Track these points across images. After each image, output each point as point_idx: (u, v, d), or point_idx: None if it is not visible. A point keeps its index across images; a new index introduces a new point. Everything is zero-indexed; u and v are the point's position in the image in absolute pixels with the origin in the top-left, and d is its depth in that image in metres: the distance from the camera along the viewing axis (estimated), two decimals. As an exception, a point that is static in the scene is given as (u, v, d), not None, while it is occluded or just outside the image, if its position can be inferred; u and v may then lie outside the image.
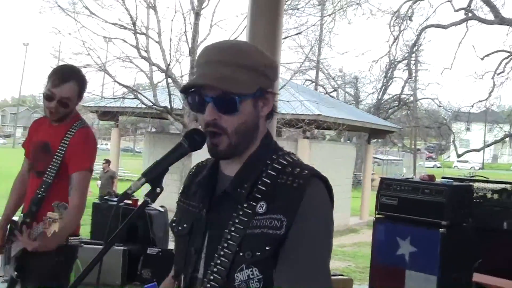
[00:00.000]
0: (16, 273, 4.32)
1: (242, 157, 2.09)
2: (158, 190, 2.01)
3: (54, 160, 4.27)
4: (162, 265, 9.54)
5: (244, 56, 2.02)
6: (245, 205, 2.01)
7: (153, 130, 41.20)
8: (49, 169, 4.27)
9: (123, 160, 35.39)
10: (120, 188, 16.78)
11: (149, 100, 18.20)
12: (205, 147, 2.09)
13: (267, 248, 1.94)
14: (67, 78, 4.24)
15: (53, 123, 4.39)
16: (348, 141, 43.58)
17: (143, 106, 18.74)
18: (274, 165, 2.06)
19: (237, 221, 2.00)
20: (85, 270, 1.88)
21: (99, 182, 19.95)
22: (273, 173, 2.04)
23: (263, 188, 2.02)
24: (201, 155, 2.22)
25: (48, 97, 4.25)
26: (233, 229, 2.00)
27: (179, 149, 2.07)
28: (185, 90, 2.06)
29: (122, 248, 9.48)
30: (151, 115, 21.51)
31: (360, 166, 40.24)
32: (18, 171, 4.81)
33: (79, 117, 4.48)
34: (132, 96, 18.89)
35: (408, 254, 6.53)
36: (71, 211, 4.03)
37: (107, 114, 23.24)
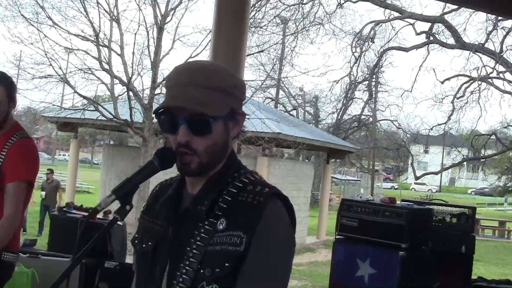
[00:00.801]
0: None
1: (206, 175, 2.10)
2: (127, 207, 2.00)
3: None
4: (120, 279, 9.44)
5: (215, 78, 2.04)
6: (206, 222, 2.02)
7: (112, 142, 40.94)
8: None
9: (81, 172, 35.07)
10: (77, 199, 16.62)
11: (110, 113, 18.11)
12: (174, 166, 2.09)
13: (226, 264, 1.95)
14: None
15: None
16: (306, 160, 43.72)
17: (103, 118, 18.63)
18: (236, 183, 2.08)
19: (198, 238, 2.01)
20: (53, 285, 1.87)
21: (43, 193, 19.62)
22: (234, 191, 2.06)
23: (224, 206, 2.03)
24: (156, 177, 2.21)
25: None
26: (194, 246, 2.01)
27: (149, 167, 2.07)
28: (157, 112, 2.06)
29: (70, 262, 9.31)
30: (111, 127, 21.41)
31: (318, 185, 40.37)
32: None
33: (20, 127, 4.35)
34: (93, 108, 18.79)
35: (367, 276, 6.53)
36: (3, 222, 3.98)
37: (66, 125, 23.03)
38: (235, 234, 1.97)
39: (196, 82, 2.01)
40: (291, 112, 44.74)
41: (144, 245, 2.21)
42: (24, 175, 4.13)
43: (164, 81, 17.14)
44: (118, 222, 2.03)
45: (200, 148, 2.02)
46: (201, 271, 1.97)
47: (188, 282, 1.98)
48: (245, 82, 2.26)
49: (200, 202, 2.06)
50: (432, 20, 30.05)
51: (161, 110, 2.05)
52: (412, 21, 31.30)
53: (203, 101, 1.98)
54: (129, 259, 11.39)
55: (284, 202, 2.08)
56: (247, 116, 2.16)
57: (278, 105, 44.66)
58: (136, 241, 2.28)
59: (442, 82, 32.57)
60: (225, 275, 1.95)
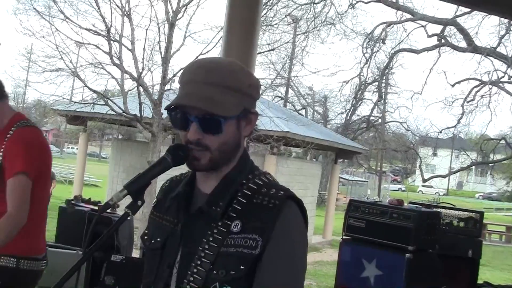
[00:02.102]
0: None
1: (219, 174, 2.10)
2: (139, 202, 2.01)
3: None
4: (126, 272, 9.46)
5: (230, 77, 2.03)
6: (219, 223, 2.02)
7: (120, 137, 40.98)
8: None
9: (89, 165, 35.12)
10: (85, 193, 16.61)
11: (119, 107, 18.12)
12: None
13: (241, 267, 1.94)
14: None
15: None
16: (314, 160, 43.66)
17: (113, 112, 18.64)
18: (250, 184, 2.08)
19: (211, 239, 2.01)
20: (64, 277, 1.87)
21: None
22: (249, 193, 2.05)
23: (238, 208, 2.03)
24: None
25: None
26: (207, 246, 2.00)
27: (162, 163, 2.06)
28: (168, 106, 2.06)
29: (82, 255, 9.31)
30: (120, 122, 21.41)
31: (325, 185, 40.34)
32: None
33: (20, 117, 4.14)
34: (103, 102, 18.80)
35: (373, 277, 6.53)
36: (3, 221, 3.79)
37: (76, 119, 23.06)
38: (250, 237, 1.96)
39: (211, 80, 1.99)
40: (300, 111, 44.69)
41: (153, 241, 2.21)
42: (19, 166, 3.88)
43: (175, 77, 17.15)
44: (125, 217, 2.03)
45: (212, 145, 2.02)
46: (214, 272, 1.97)
47: (199, 282, 1.98)
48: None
49: (214, 202, 2.05)
50: (444, 22, 29.95)
51: (175, 108, 2.05)
52: (424, 23, 31.20)
53: (216, 101, 1.97)
54: (136, 253, 11.42)
55: (299, 205, 2.08)
56: None
57: (287, 104, 44.64)
58: (145, 237, 2.28)
59: (453, 85, 32.40)
60: (239, 278, 1.94)
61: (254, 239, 1.96)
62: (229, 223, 2.01)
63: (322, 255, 21.44)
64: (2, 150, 3.95)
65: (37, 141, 4.09)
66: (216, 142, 2.02)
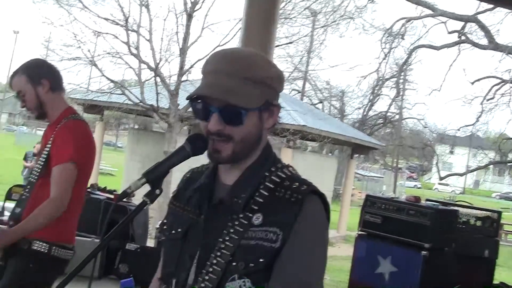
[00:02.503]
0: None
1: (241, 166, 2.08)
2: (157, 191, 1.99)
3: (40, 159, 4.13)
4: (140, 261, 9.53)
5: (253, 69, 2.00)
6: (241, 216, 1.99)
7: (136, 127, 41.11)
8: (35, 169, 4.14)
9: (105, 154, 35.26)
10: (101, 181, 16.64)
11: (136, 97, 18.15)
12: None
13: (261, 260, 1.92)
14: (13, 74, 4.19)
15: (49, 123, 4.24)
16: (330, 154, 43.61)
17: (130, 102, 18.68)
18: (273, 177, 2.05)
19: (232, 230, 1.98)
20: (81, 264, 1.86)
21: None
22: (271, 186, 2.03)
23: (260, 200, 2.00)
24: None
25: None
26: (227, 238, 1.98)
27: (181, 152, 2.05)
28: (190, 96, 2.03)
29: (99, 242, 9.38)
30: (137, 112, 21.46)
31: (340, 180, 40.28)
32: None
33: (70, 111, 4.23)
34: (120, 92, 18.85)
35: (388, 274, 6.50)
36: (44, 204, 3.87)
37: (93, 108, 23.13)
38: (271, 230, 1.94)
39: (233, 71, 1.97)
40: (317, 105, 44.62)
41: (173, 231, 2.19)
42: (66, 155, 3.97)
43: (192, 68, 17.15)
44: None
45: (236, 136, 1.99)
46: (233, 263, 1.94)
47: (218, 273, 1.95)
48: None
49: (236, 194, 2.02)
50: (465, 19, 29.71)
51: (197, 98, 2.02)
52: (444, 19, 30.96)
53: (238, 92, 1.95)
54: (150, 243, 11.45)
55: (322, 200, 2.05)
56: None
57: (304, 97, 44.58)
58: (165, 227, 2.27)
59: (472, 83, 32.17)
60: (259, 270, 1.92)
61: (274, 232, 1.93)
62: (251, 215, 1.98)
63: (336, 250, 21.39)
64: (51, 139, 4.07)
65: (85, 134, 4.19)
66: (237, 134, 1.99)
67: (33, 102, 4.14)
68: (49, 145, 4.06)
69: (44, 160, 4.06)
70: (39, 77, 4.14)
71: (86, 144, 4.17)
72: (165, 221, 2.30)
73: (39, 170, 4.08)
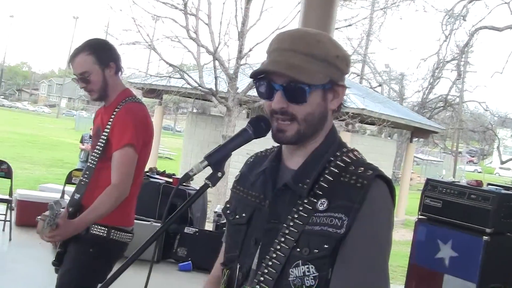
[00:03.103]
0: (54, 260, 4.06)
1: (306, 150, 2.05)
2: (219, 174, 1.97)
3: (99, 143, 4.06)
4: (198, 245, 9.61)
5: (317, 46, 1.97)
6: (305, 201, 1.97)
7: (195, 111, 41.37)
8: (94, 153, 4.07)
9: (163, 138, 35.60)
10: (159, 165, 16.80)
11: (195, 81, 18.23)
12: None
13: (325, 246, 1.89)
14: (76, 52, 4.07)
15: (106, 104, 4.20)
16: (389, 138, 43.26)
17: (188, 86, 18.78)
18: (338, 162, 2.02)
19: (296, 216, 1.96)
20: (141, 248, 1.87)
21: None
22: (336, 171, 2.00)
23: (325, 185, 1.97)
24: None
25: (74, 80, 4.18)
26: (291, 224, 1.96)
27: (243, 134, 2.03)
28: (255, 76, 2.02)
29: (160, 225, 9.46)
30: (196, 96, 21.55)
31: (399, 163, 39.98)
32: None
33: (127, 94, 4.20)
34: (178, 76, 18.95)
35: (448, 258, 6.44)
36: (107, 190, 3.85)
37: (152, 92, 23.28)
38: (336, 216, 1.90)
39: (297, 48, 1.95)
40: (376, 89, 44.28)
41: (237, 216, 2.19)
42: (125, 139, 3.94)
43: (250, 52, 17.14)
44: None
45: (299, 115, 1.97)
46: (297, 249, 1.92)
47: (282, 259, 1.94)
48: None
49: (301, 179, 2.00)
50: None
51: (260, 75, 2.01)
52: None
53: (301, 68, 1.92)
54: (208, 226, 11.53)
55: (388, 185, 2.01)
56: None
57: (363, 80, 44.28)
58: (228, 211, 2.25)
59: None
60: (323, 257, 1.89)
61: (340, 218, 1.90)
62: (315, 200, 1.96)
63: (395, 235, 21.08)
64: (110, 123, 4.03)
65: (144, 117, 4.13)
66: (301, 112, 1.97)
67: (98, 84, 4.07)
68: (107, 129, 4.02)
69: (103, 144, 4.02)
70: (108, 59, 4.10)
71: (145, 127, 4.12)
72: (227, 205, 2.28)
73: (97, 155, 4.03)
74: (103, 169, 3.99)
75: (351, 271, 1.88)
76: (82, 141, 17.69)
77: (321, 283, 1.89)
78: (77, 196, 4.05)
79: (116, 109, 4.06)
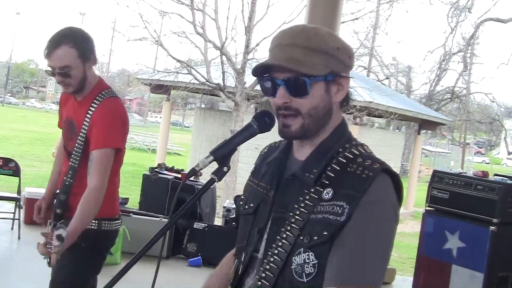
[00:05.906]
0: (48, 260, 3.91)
1: (314, 142, 2.08)
2: (225, 169, 2.02)
3: (78, 141, 3.95)
4: (207, 240, 9.62)
5: (315, 39, 2.00)
6: (312, 190, 2.00)
7: (203, 106, 41.36)
8: (74, 152, 3.98)
9: (172, 134, 35.59)
10: (168, 161, 16.86)
11: (202, 76, 18.25)
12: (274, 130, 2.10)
13: (325, 233, 1.91)
14: (57, 44, 3.81)
15: (77, 97, 4.03)
16: (397, 130, 43.17)
17: (196, 82, 18.79)
18: (346, 153, 2.04)
19: (302, 205, 1.99)
20: (149, 243, 1.90)
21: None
22: (344, 161, 2.02)
23: (332, 175, 2.00)
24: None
25: (48, 72, 3.93)
26: (297, 213, 1.99)
27: (248, 129, 2.07)
28: (256, 73, 2.06)
29: (167, 221, 9.48)
30: (203, 91, 21.55)
31: (407, 156, 39.90)
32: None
33: (103, 86, 4.06)
34: (186, 71, 18.96)
35: (455, 249, 6.48)
36: (88, 194, 3.79)
37: (160, 88, 23.27)
38: (338, 204, 1.92)
39: (296, 42, 1.98)
40: (383, 81, 44.16)
41: (246, 207, 2.24)
42: (109, 142, 3.89)
43: (258, 46, 17.11)
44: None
45: (303, 109, 2.00)
46: (301, 238, 1.95)
47: (287, 248, 1.97)
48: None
49: (308, 169, 2.03)
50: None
51: (262, 71, 2.05)
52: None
53: (301, 60, 1.96)
54: (218, 221, 11.54)
55: (394, 179, 2.01)
56: None
57: (371, 73, 44.18)
58: (241, 203, 2.31)
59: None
60: (322, 243, 1.91)
61: (341, 206, 1.92)
62: (321, 190, 1.98)
63: (404, 227, 21.25)
64: (87, 119, 3.94)
65: (122, 114, 4.05)
66: (304, 106, 2.00)
67: (78, 78, 3.91)
68: (85, 127, 3.93)
69: (82, 143, 3.94)
70: (89, 52, 3.94)
71: (125, 126, 4.05)
72: (242, 197, 2.34)
73: (78, 154, 3.97)
74: (84, 168, 3.93)
75: (344, 257, 1.88)
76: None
77: (320, 270, 1.91)
78: (63, 197, 4.03)
79: (93, 104, 3.95)
